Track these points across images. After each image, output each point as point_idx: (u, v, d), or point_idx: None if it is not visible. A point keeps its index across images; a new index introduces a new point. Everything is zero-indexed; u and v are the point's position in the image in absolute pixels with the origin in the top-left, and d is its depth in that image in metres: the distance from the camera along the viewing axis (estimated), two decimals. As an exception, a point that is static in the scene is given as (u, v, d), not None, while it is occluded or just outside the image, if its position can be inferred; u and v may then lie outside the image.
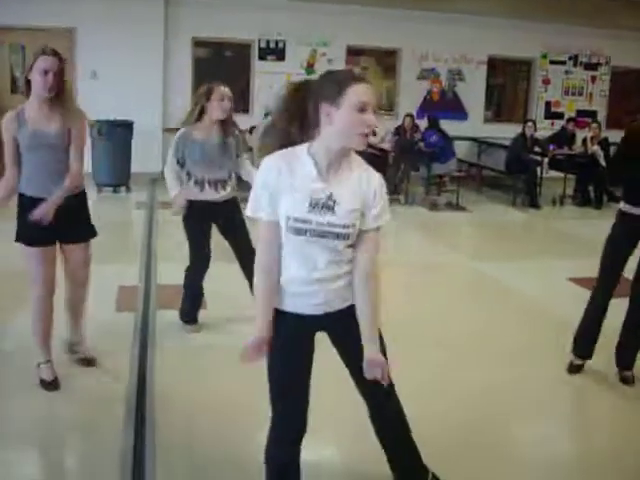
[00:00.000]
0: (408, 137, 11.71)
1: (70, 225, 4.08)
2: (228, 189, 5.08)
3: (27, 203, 3.98)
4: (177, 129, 5.15)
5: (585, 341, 4.85)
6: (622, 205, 4.62)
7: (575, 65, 14.73)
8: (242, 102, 12.45)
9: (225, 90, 5.02)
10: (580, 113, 14.47)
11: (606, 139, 12.22)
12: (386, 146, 11.24)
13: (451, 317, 5.92)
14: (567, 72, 14.68)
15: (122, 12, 11.29)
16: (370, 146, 10.83)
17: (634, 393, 4.59)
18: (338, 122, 2.46)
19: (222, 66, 12.70)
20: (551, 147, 12.07)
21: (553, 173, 12.18)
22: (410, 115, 12.16)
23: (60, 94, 3.93)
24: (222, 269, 5.48)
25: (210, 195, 5.02)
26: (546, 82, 14.54)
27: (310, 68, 12.86)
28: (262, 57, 12.73)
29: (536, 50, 14.30)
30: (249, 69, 12.71)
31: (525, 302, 6.53)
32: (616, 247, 4.63)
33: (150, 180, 11.42)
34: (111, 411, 3.98)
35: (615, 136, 14.16)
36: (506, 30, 13.48)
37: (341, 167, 2.57)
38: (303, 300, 2.66)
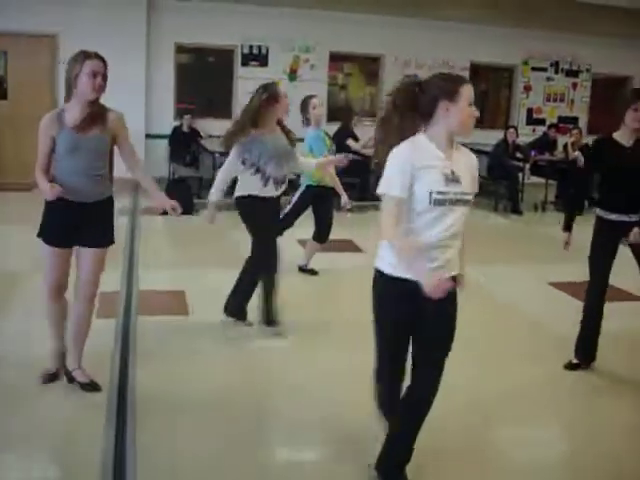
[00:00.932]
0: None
1: (90, 229, 4.09)
2: (284, 187, 5.44)
3: (55, 204, 3.96)
4: (156, 135, 5.22)
5: (585, 346, 4.95)
6: (597, 211, 4.76)
7: (556, 72, 14.83)
8: (225, 108, 12.48)
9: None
10: (561, 119, 14.54)
11: (587, 145, 12.26)
12: (368, 152, 11.23)
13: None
14: (548, 79, 14.78)
15: (105, 18, 11.26)
16: (352, 152, 10.87)
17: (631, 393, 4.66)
18: (456, 114, 3.07)
19: (205, 72, 12.71)
20: (532, 153, 12.15)
21: (535, 179, 12.26)
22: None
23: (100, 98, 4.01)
24: (207, 274, 5.48)
25: (270, 192, 5.30)
26: (528, 89, 14.64)
27: (293, 74, 12.90)
28: (245, 63, 12.73)
29: (518, 57, 14.40)
30: (232, 75, 12.71)
31: (506, 306, 6.58)
32: (598, 252, 4.80)
33: (132, 186, 11.39)
34: (92, 417, 3.96)
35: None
36: (488, 37, 13.57)
37: (452, 149, 3.16)
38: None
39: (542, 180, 12.23)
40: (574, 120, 14.63)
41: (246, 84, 12.54)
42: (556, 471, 3.81)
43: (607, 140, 4.84)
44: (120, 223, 9.34)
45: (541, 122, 14.50)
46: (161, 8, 11.97)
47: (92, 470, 3.43)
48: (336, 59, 13.41)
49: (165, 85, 12.23)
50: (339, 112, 12.90)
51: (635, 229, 4.71)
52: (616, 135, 4.62)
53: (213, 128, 11.53)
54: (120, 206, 10.11)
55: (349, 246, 8.55)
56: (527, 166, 11.76)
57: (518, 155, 11.80)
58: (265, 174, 5.22)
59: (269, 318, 5.41)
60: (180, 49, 12.49)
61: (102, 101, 4.06)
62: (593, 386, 4.84)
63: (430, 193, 3.04)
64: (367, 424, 3.70)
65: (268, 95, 5.18)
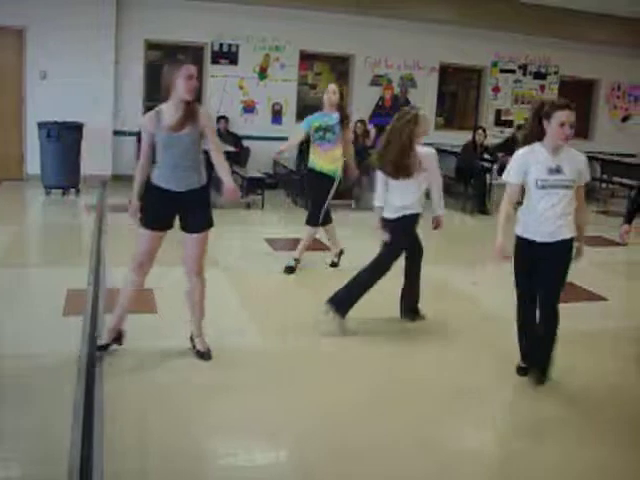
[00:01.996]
0: (360, 143, 11.75)
1: (188, 216, 4.67)
2: None
3: (156, 193, 4.63)
4: (125, 132, 5.32)
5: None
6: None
7: (525, 74, 14.97)
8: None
9: None
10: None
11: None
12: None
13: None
14: (517, 81, 14.92)
15: (73, 13, 11.18)
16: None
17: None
18: (550, 131, 4.49)
19: (175, 69, 12.64)
20: (500, 155, 12.23)
21: (502, 180, 12.33)
22: (362, 121, 12.22)
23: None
24: (176, 272, 5.44)
25: None
26: (496, 90, 14.76)
27: (263, 72, 12.89)
28: (215, 61, 12.69)
29: (487, 58, 14.53)
30: (202, 72, 12.65)
31: (474, 305, 6.66)
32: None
33: (100, 182, 11.32)
34: (58, 416, 3.93)
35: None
36: (458, 38, 13.69)
37: (559, 151, 4.54)
38: (540, 229, 4.60)
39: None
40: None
41: (216, 82, 12.56)
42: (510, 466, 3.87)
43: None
44: (86, 220, 9.44)
45: (509, 123, 14.64)
46: (131, 4, 11.90)
47: (59, 469, 3.41)
48: (306, 58, 13.43)
49: (134, 81, 12.15)
50: (309, 111, 12.89)
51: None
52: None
53: (182, 125, 11.49)
54: (87, 202, 10.32)
55: (316, 244, 8.57)
56: (495, 167, 11.83)
57: (486, 156, 11.88)
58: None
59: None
60: (150, 46, 12.43)
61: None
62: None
63: (537, 180, 4.55)
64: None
65: (412, 117, 5.53)
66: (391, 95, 13.91)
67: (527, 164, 4.56)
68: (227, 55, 12.74)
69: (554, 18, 13.14)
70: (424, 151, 5.59)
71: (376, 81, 13.76)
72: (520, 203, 4.80)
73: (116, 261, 7.04)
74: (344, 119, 7.28)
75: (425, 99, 14.11)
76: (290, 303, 6.52)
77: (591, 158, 14.67)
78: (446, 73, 14.50)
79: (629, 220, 5.52)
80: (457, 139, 12.96)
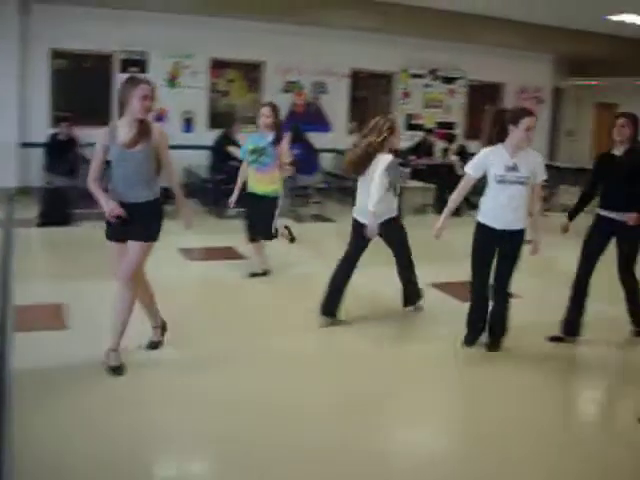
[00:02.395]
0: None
1: (136, 225, 4.73)
2: None
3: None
4: (32, 144, 5.26)
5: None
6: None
7: (434, 79, 15.23)
8: (104, 115, 12.18)
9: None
10: (439, 125, 14.96)
11: (464, 148, 12.72)
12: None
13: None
14: (426, 85, 15.17)
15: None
16: (233, 159, 10.85)
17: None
18: (516, 135, 5.19)
19: (82, 78, 12.40)
20: (412, 158, 12.42)
21: (414, 183, 12.50)
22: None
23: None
24: (85, 287, 5.35)
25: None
26: (406, 95, 14.97)
27: (173, 81, 12.74)
28: (124, 69, 12.45)
29: (397, 64, 14.72)
30: (110, 82, 12.42)
31: (388, 306, 6.72)
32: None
33: (6, 196, 11.00)
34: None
35: (473, 147, 14.80)
36: (368, 44, 13.82)
37: (518, 152, 5.24)
38: (497, 218, 5.32)
39: (421, 184, 12.53)
40: (451, 125, 15.07)
41: (125, 91, 12.32)
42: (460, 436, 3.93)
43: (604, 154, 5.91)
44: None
45: (420, 128, 14.86)
46: (35, 13, 11.57)
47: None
48: (218, 65, 13.33)
49: (40, 91, 11.84)
50: (221, 119, 12.86)
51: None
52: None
53: (92, 136, 11.24)
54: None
55: (230, 253, 8.52)
56: (407, 170, 11.97)
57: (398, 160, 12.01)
58: (396, 191, 6.18)
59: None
60: (56, 54, 12.11)
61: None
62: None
63: (496, 175, 5.27)
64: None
65: (390, 126, 5.95)
66: (303, 101, 13.95)
67: (488, 161, 5.31)
68: (136, 63, 12.54)
69: (462, 24, 13.39)
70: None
71: (288, 88, 13.77)
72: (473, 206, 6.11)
73: (24, 277, 6.87)
74: (278, 139, 7.18)
75: (337, 105, 14.22)
76: (206, 312, 6.48)
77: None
78: (358, 79, 14.63)
79: (571, 217, 6.01)
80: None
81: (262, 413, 4.36)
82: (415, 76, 14.98)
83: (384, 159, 5.85)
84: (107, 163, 4.77)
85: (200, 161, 11.96)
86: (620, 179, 5.65)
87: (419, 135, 14.27)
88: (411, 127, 14.95)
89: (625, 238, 5.77)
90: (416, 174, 12.39)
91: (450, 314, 6.54)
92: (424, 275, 7.80)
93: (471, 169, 5.42)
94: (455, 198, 5.57)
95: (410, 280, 6.54)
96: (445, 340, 5.88)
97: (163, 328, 5.35)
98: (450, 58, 15.16)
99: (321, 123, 14.06)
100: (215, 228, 9.97)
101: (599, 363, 5.68)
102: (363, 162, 5.91)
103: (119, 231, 4.76)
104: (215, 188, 10.94)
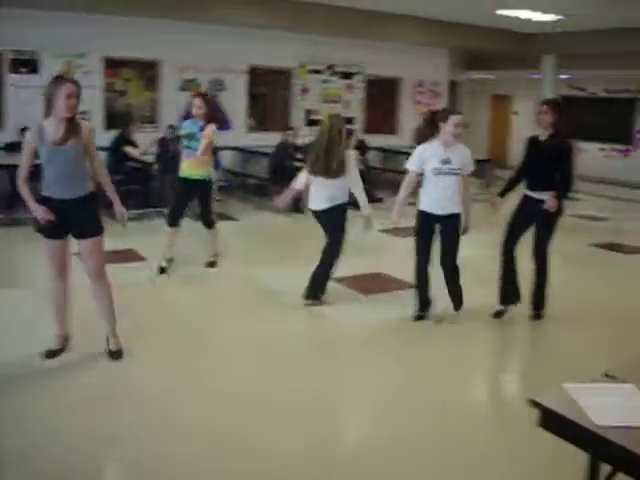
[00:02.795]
0: (172, 148, 11.60)
1: (79, 222, 4.92)
2: None
3: (45, 203, 4.81)
4: None
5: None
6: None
7: (332, 74, 15.35)
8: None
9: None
10: (339, 120, 15.03)
11: (363, 143, 12.89)
12: (149, 158, 11.10)
13: (232, 324, 6.06)
14: (325, 81, 15.27)
15: None
16: (131, 159, 10.71)
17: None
18: (447, 130, 5.95)
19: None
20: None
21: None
22: (171, 126, 12.00)
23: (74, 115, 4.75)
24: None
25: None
26: (305, 91, 15.04)
27: (66, 81, 12.40)
28: (14, 70, 12.11)
29: (294, 60, 14.76)
30: (0, 82, 12.05)
31: (296, 304, 6.75)
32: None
33: None
34: None
35: (372, 140, 15.01)
36: (266, 40, 13.83)
37: (450, 146, 5.99)
38: (435, 205, 6.02)
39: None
40: (350, 120, 15.20)
41: (16, 92, 11.99)
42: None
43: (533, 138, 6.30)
44: None
45: (319, 123, 14.89)
46: None
47: None
48: (112, 65, 13.08)
49: None
50: (119, 119, 12.64)
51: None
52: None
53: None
54: None
55: (130, 256, 8.40)
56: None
57: (298, 156, 12.07)
58: None
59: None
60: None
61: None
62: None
63: (433, 169, 6.01)
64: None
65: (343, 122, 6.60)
66: (201, 99, 13.80)
67: (425, 156, 6.05)
68: (27, 64, 12.19)
69: (358, 19, 13.54)
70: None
71: (185, 86, 13.62)
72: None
73: None
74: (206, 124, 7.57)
75: (235, 102, 14.17)
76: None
77: (398, 152, 15.39)
78: (256, 75, 14.61)
79: (502, 194, 6.48)
80: (269, 140, 13.11)
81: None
82: (313, 72, 15.06)
83: (352, 155, 6.58)
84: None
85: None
86: (544, 162, 6.09)
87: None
88: (310, 123, 15.03)
89: (541, 219, 6.14)
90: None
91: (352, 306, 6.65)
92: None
93: (412, 165, 6.14)
94: (402, 195, 6.25)
95: (326, 274, 6.73)
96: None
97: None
98: (348, 53, 15.32)
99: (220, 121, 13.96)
100: (114, 231, 9.80)
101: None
102: (343, 164, 6.38)
103: (56, 228, 4.86)
104: (176, 189, 10.68)
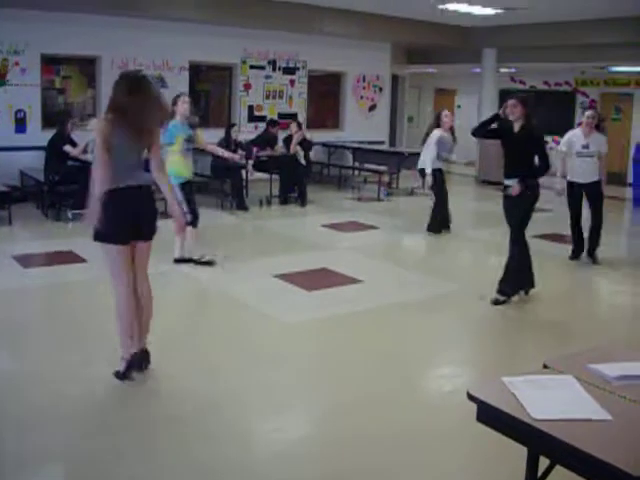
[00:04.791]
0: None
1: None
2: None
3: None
4: None
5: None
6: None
7: (274, 69, 15.27)
8: None
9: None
10: (282, 116, 14.97)
11: (305, 139, 12.85)
12: (89, 157, 10.86)
13: (178, 326, 5.97)
14: (267, 76, 15.17)
15: None
16: (71, 158, 10.52)
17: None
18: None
19: None
20: (255, 150, 12.40)
21: (259, 175, 12.49)
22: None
23: None
24: None
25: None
26: (247, 87, 14.92)
27: (2, 79, 12.11)
28: (-53, 68, 11.78)
29: (236, 55, 14.63)
30: None
31: (239, 302, 6.71)
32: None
33: None
34: None
35: (316, 136, 14.99)
36: (206, 36, 13.70)
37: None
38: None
39: (266, 175, 12.57)
40: (293, 116, 15.16)
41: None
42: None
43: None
44: None
45: (262, 119, 14.86)
46: None
47: None
48: (50, 62, 12.79)
49: None
50: (59, 117, 12.37)
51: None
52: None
53: None
54: None
55: (71, 257, 8.23)
56: (250, 163, 11.95)
57: (241, 152, 11.95)
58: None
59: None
60: None
61: None
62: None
63: None
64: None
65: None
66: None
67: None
68: (-41, 61, 11.86)
69: (299, 14, 13.48)
70: None
71: (126, 82, 13.38)
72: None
73: None
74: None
75: (178, 99, 13.98)
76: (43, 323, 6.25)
77: (343, 147, 15.39)
78: (199, 72, 14.45)
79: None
80: (213, 136, 12.95)
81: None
82: (255, 67, 14.95)
83: None
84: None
85: (35, 163, 11.40)
86: (515, 152, 6.50)
87: (262, 126, 14.27)
88: (254, 119, 14.94)
89: (510, 205, 6.58)
90: (259, 166, 12.38)
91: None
92: (269, 266, 7.93)
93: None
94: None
95: None
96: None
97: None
98: (290, 48, 15.27)
99: (162, 118, 13.76)
100: (54, 232, 9.64)
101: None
102: None
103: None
104: (51, 190, 10.49)
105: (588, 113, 8.53)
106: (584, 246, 8.69)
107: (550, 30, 14.48)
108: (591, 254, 8.62)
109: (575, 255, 8.73)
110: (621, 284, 8.12)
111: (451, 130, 9.82)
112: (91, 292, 6.79)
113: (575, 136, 8.58)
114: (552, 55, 16.00)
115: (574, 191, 8.62)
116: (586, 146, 8.39)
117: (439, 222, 9.87)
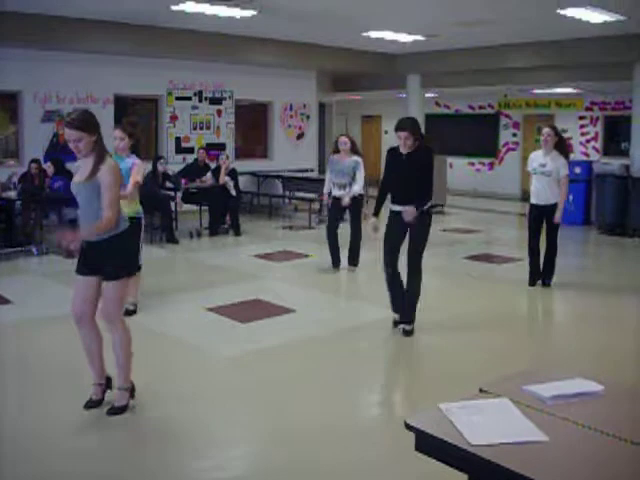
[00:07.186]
0: (37, 183, 11.12)
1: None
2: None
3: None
4: None
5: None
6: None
7: (201, 100, 15.19)
8: None
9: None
10: (210, 146, 14.83)
11: (234, 170, 12.79)
12: (12, 195, 10.60)
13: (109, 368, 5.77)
14: (194, 107, 15.08)
15: None
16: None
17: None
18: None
19: None
20: (183, 181, 12.27)
21: (188, 206, 12.34)
22: (35, 160, 11.49)
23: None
24: None
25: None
26: (174, 118, 14.80)
27: None
28: None
29: (162, 87, 14.52)
30: None
31: (173, 339, 6.55)
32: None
33: None
34: None
35: (245, 165, 14.94)
36: (131, 68, 13.60)
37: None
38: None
39: (195, 207, 12.45)
40: (222, 146, 15.10)
41: None
42: None
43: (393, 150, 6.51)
44: None
45: (190, 150, 14.75)
46: None
47: None
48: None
49: None
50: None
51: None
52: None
53: None
54: None
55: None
56: (179, 195, 11.80)
57: (169, 185, 11.82)
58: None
59: None
60: None
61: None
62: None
63: None
64: None
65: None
66: (66, 131, 13.33)
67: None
68: None
69: (224, 43, 13.45)
70: None
71: (49, 117, 13.12)
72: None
73: None
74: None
75: (103, 132, 13.73)
76: None
77: (272, 177, 15.36)
78: (124, 104, 14.27)
79: (376, 213, 6.60)
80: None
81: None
82: (181, 98, 14.86)
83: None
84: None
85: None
86: (404, 177, 6.35)
87: (190, 158, 14.16)
88: (181, 150, 14.81)
89: (413, 230, 6.38)
90: (188, 197, 12.25)
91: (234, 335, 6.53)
92: (202, 299, 7.80)
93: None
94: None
95: None
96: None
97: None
98: (216, 79, 15.25)
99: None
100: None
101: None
102: None
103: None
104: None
105: (544, 131, 8.21)
106: (539, 273, 8.49)
107: (471, 56, 14.78)
108: (545, 284, 8.43)
109: (532, 282, 8.46)
110: (561, 303, 8.26)
111: (356, 152, 9.43)
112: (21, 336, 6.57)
113: (535, 154, 8.34)
114: (474, 79, 16.36)
115: (532, 214, 8.34)
116: (543, 165, 8.11)
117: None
